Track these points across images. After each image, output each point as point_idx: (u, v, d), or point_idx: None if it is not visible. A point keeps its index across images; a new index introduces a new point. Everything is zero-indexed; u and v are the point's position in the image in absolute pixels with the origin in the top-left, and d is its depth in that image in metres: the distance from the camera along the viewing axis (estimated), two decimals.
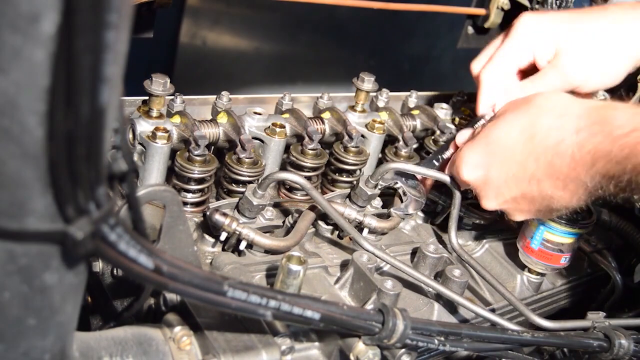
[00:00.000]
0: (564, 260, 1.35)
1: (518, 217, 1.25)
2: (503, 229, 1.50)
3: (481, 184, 1.22)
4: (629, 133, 1.02)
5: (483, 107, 1.40)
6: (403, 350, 0.98)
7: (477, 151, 1.22)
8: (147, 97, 1.31)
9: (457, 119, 1.66)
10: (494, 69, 1.39)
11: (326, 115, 1.49)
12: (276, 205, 1.34)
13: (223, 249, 1.22)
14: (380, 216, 1.33)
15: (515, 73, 1.41)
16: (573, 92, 1.33)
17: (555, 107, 1.14)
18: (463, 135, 1.37)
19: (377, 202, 1.38)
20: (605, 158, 1.04)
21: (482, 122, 1.39)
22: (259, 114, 1.40)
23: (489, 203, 1.23)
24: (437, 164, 1.40)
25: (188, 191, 1.29)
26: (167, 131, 1.26)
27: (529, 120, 1.15)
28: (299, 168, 1.39)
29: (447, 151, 1.41)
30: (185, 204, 1.27)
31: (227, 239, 1.18)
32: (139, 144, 1.28)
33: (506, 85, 1.39)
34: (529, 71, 1.40)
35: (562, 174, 1.10)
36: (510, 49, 1.37)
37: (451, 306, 1.24)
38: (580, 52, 1.33)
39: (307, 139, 1.39)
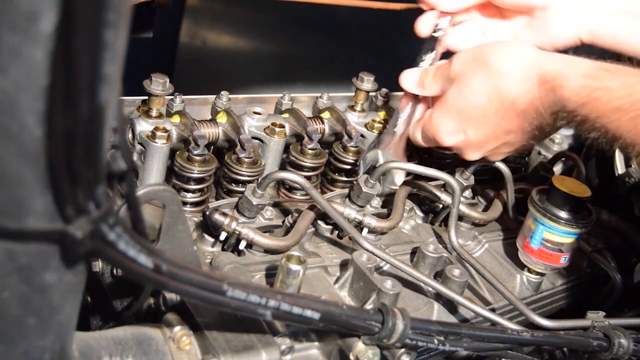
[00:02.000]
0: (563, 260, 1.35)
1: (498, 158, 1.37)
2: (503, 229, 1.50)
3: (463, 145, 1.31)
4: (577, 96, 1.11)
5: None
6: (403, 349, 0.98)
7: (450, 118, 1.27)
8: (146, 97, 1.31)
9: None
10: None
11: (326, 115, 1.49)
12: (276, 205, 1.34)
13: (222, 249, 1.22)
14: (379, 216, 1.33)
15: None
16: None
17: (515, 70, 1.19)
18: (411, 76, 1.35)
19: (377, 202, 1.38)
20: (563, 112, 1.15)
21: (428, 59, 1.35)
22: (259, 113, 1.40)
23: (474, 156, 1.33)
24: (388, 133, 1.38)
25: (187, 191, 1.29)
26: (166, 131, 1.26)
27: (493, 85, 1.20)
28: (299, 168, 1.39)
29: (398, 118, 1.38)
30: (184, 203, 1.27)
31: (227, 238, 1.18)
32: (139, 143, 1.28)
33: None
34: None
35: (532, 125, 1.21)
36: None
37: (451, 306, 1.24)
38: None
39: (306, 138, 1.39)
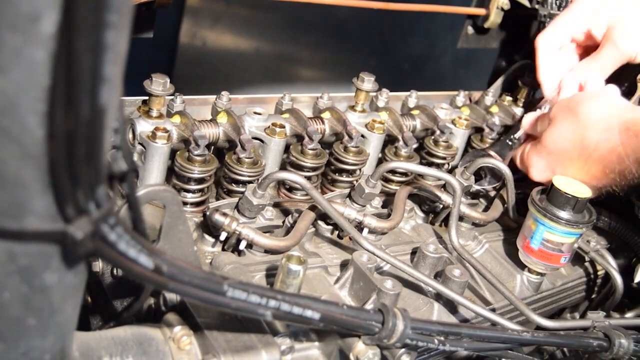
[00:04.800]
0: (563, 260, 1.35)
1: None
2: (503, 229, 1.50)
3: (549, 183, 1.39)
4: None
5: (548, 87, 1.57)
6: (403, 350, 0.98)
7: (541, 157, 1.44)
8: (147, 97, 1.31)
9: (456, 119, 1.66)
10: (549, 34, 1.54)
11: (326, 115, 1.49)
12: (276, 205, 1.34)
13: (223, 249, 1.22)
14: (379, 216, 1.33)
15: (569, 42, 1.55)
16: (629, 63, 1.50)
17: (598, 120, 1.32)
18: (529, 117, 1.56)
19: (377, 202, 1.38)
20: None
21: (547, 106, 1.53)
22: (259, 114, 1.40)
23: None
24: (510, 143, 1.58)
25: (188, 191, 1.29)
26: (167, 131, 1.26)
27: (578, 133, 1.34)
28: (299, 168, 1.39)
29: (517, 133, 1.58)
30: (185, 203, 1.27)
31: (227, 238, 1.18)
32: (139, 143, 1.28)
33: (564, 59, 1.56)
34: (582, 43, 1.56)
35: (614, 171, 1.31)
36: (566, 19, 1.53)
37: (451, 306, 1.24)
38: (631, 23, 1.45)
39: (307, 138, 1.39)
